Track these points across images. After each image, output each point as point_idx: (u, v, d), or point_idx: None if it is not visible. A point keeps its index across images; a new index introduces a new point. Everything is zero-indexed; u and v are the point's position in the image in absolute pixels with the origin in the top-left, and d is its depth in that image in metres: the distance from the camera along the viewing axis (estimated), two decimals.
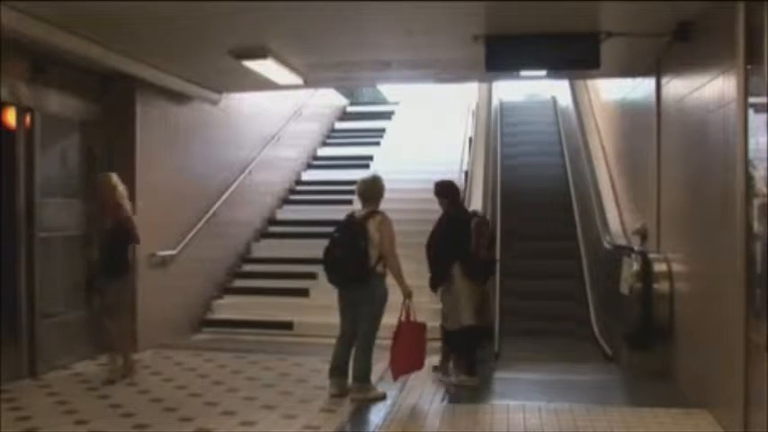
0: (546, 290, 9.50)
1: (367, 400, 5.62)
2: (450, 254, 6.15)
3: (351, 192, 10.32)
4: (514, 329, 8.42)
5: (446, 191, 6.52)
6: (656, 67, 6.77)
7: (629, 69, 7.57)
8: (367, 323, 5.73)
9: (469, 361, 6.17)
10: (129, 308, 6.79)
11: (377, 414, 5.36)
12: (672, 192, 6.32)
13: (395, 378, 5.97)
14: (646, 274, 6.28)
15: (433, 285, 6.23)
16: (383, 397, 5.70)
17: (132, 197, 7.47)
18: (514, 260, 9.80)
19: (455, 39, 6.40)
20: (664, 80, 6.62)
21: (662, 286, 6.22)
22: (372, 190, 5.90)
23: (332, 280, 5.84)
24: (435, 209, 8.97)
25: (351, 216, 5.87)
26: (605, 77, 9.00)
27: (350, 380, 5.82)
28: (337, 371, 5.82)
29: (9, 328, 6.28)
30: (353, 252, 5.61)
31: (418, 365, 5.98)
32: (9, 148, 6.35)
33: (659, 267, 6.28)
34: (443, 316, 6.36)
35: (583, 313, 9.00)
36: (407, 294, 5.78)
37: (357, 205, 9.90)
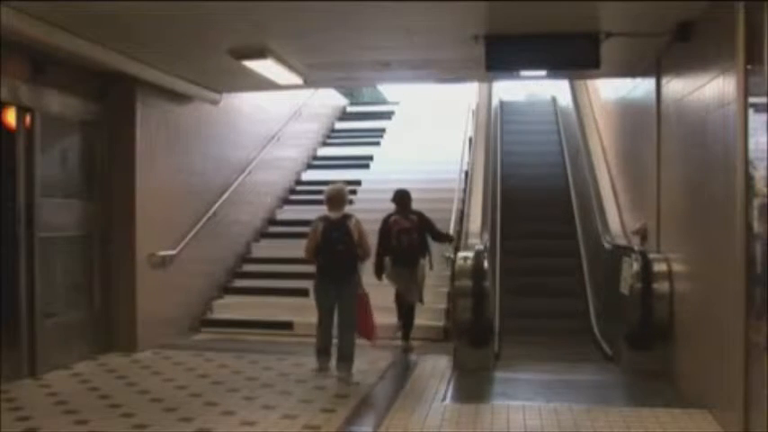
0: (546, 289, 9.50)
1: (350, 377, 6.36)
2: (378, 247, 7.81)
3: (351, 192, 10.36)
4: (514, 328, 8.42)
5: (393, 198, 8.10)
6: (656, 67, 6.77)
7: (629, 69, 7.57)
8: (351, 309, 6.58)
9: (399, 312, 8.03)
10: None
11: (377, 414, 5.37)
12: (672, 192, 6.32)
13: (373, 342, 6.97)
14: (646, 274, 6.28)
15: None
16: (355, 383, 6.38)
17: (132, 197, 7.50)
18: (515, 259, 9.80)
19: (455, 39, 6.40)
20: (664, 80, 6.62)
21: (662, 286, 6.22)
22: (343, 197, 6.82)
23: (332, 273, 6.54)
24: (435, 208, 9.06)
25: (328, 218, 6.63)
26: (605, 77, 9.00)
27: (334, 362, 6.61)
28: (324, 351, 6.70)
29: (9, 328, 6.28)
30: (350, 249, 6.53)
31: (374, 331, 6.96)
32: (9, 148, 6.35)
33: (659, 267, 6.28)
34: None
35: (583, 312, 9.00)
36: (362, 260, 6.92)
37: (357, 205, 10.01)
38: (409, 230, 7.82)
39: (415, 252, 7.84)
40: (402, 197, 8.07)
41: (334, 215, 6.62)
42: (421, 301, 8.07)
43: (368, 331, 6.83)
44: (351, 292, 6.60)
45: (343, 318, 6.61)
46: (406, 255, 7.76)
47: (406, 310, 7.99)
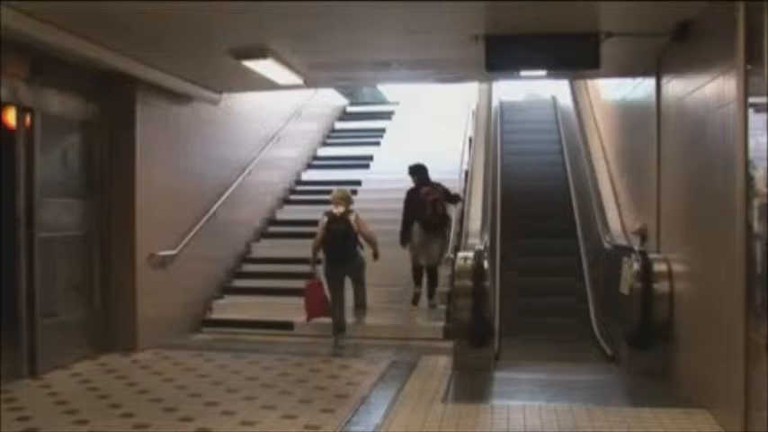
0: (546, 288, 9.50)
1: (364, 318, 8.33)
2: (406, 216, 8.74)
3: (351, 192, 10.34)
4: (514, 327, 8.43)
5: (413, 171, 9.06)
6: (656, 67, 6.77)
7: (629, 69, 7.57)
8: (361, 280, 8.29)
9: (415, 278, 8.84)
10: None
11: (377, 414, 5.37)
12: (672, 192, 6.32)
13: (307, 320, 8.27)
14: (646, 274, 6.28)
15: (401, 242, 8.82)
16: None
17: (132, 197, 7.50)
18: (515, 258, 9.80)
19: (455, 39, 6.39)
20: (664, 80, 6.62)
21: (662, 286, 6.22)
22: (348, 197, 8.34)
23: (336, 256, 8.04)
24: None
25: (332, 213, 8.11)
26: (605, 77, 9.00)
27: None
28: (341, 329, 8.04)
29: (9, 328, 6.28)
30: (349, 237, 8.02)
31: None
32: (9, 148, 6.35)
33: (659, 267, 6.28)
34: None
35: (583, 312, 9.00)
36: (376, 256, 8.34)
37: (358, 204, 10.07)
38: (441, 201, 8.68)
39: (446, 220, 8.72)
40: (422, 169, 8.96)
41: (337, 210, 8.11)
42: (437, 266, 8.77)
43: (308, 311, 8.18)
44: (355, 267, 8.15)
45: (355, 283, 8.26)
46: (439, 223, 8.59)
47: (429, 275, 8.76)
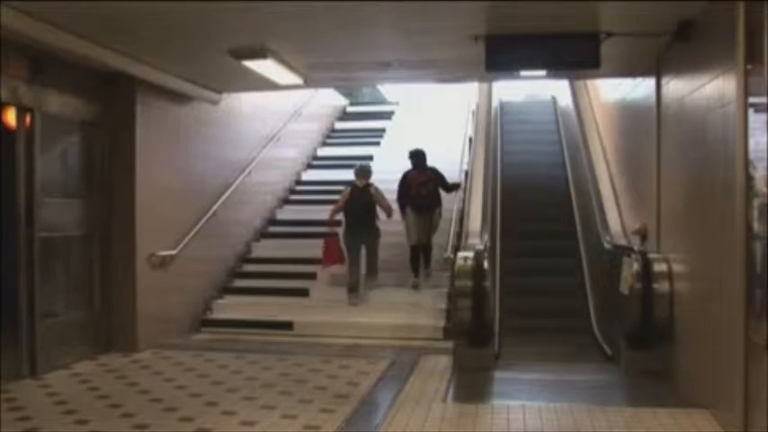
0: (546, 288, 9.49)
1: (374, 284, 9.22)
2: (398, 195, 9.58)
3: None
4: (514, 327, 8.43)
5: (411, 156, 9.68)
6: (656, 67, 6.77)
7: (629, 69, 7.57)
8: (375, 248, 9.22)
9: (413, 266, 9.46)
10: None
11: (377, 414, 5.37)
12: (672, 192, 6.32)
13: (323, 267, 9.38)
14: (646, 274, 6.28)
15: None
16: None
17: (132, 197, 7.50)
18: (515, 258, 9.80)
19: (455, 39, 6.40)
20: (664, 80, 6.62)
21: (662, 286, 6.21)
22: (367, 172, 9.49)
23: (357, 224, 9.11)
24: None
25: (355, 184, 9.35)
26: (605, 77, 8.99)
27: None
28: (355, 289, 9.05)
29: (9, 328, 6.28)
30: (370, 207, 9.19)
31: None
32: (9, 148, 6.35)
33: (659, 267, 6.28)
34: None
35: (583, 312, 9.00)
36: (389, 216, 9.34)
37: None
38: (426, 183, 9.42)
39: (432, 201, 9.42)
40: (418, 155, 9.63)
41: (359, 183, 9.30)
42: (430, 243, 9.42)
43: (325, 260, 9.20)
44: (372, 237, 9.14)
45: (369, 252, 9.16)
46: (425, 203, 9.34)
47: (423, 252, 9.39)
